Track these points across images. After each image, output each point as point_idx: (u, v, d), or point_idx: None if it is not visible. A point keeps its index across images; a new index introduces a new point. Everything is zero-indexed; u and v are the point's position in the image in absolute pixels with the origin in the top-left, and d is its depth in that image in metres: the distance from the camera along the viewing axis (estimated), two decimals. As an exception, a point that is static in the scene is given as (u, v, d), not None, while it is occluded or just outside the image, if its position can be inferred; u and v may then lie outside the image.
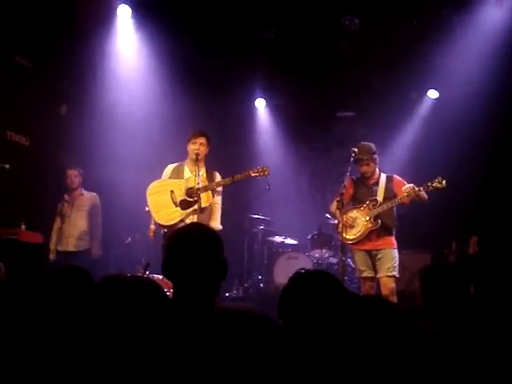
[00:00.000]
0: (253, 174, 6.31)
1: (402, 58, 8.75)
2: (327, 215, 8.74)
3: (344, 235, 6.30)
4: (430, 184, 6.14)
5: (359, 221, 6.36)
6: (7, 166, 6.54)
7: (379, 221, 6.28)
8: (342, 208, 6.17)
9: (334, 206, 6.50)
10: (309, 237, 8.97)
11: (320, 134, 10.19)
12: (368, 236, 6.33)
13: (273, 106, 10.48)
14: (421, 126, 9.46)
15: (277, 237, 9.20)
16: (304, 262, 8.30)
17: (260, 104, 10.51)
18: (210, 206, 6.34)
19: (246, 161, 8.85)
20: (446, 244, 8.25)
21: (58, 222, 7.75)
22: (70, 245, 7.65)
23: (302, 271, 2.39)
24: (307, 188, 10.10)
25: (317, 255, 8.60)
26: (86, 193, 7.89)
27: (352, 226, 6.37)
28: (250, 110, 10.51)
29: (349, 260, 8.25)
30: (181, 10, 8.26)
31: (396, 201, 6.26)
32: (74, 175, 7.76)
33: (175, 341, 2.06)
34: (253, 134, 10.53)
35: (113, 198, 8.44)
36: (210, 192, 6.24)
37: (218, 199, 6.44)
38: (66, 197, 7.81)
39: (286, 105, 10.17)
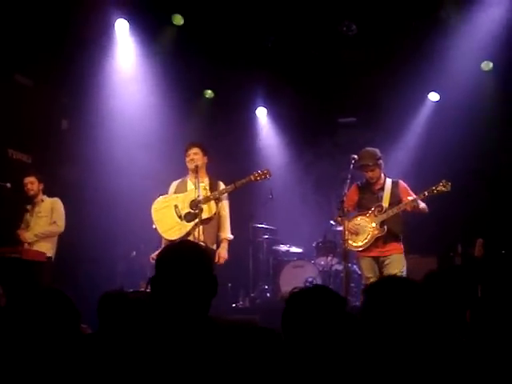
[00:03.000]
0: (254, 178, 6.32)
1: (401, 62, 8.74)
2: (332, 222, 8.70)
3: (351, 243, 6.26)
4: (434, 188, 6.13)
5: (365, 228, 6.32)
6: (8, 184, 6.53)
7: (385, 227, 6.24)
8: (343, 215, 6.14)
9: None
10: (314, 244, 8.94)
11: (322, 140, 10.15)
12: (374, 243, 6.29)
13: (274, 114, 10.46)
14: (422, 129, 9.42)
15: (282, 245, 9.17)
16: (310, 270, 8.27)
17: (261, 112, 10.49)
18: (217, 216, 6.34)
19: (250, 170, 8.80)
20: (452, 247, 8.22)
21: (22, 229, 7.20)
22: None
23: (295, 290, 2.40)
24: (312, 195, 10.07)
25: (322, 263, 8.54)
26: (46, 199, 7.29)
27: (357, 233, 6.33)
28: (252, 119, 10.50)
29: (354, 266, 8.21)
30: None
31: (401, 206, 6.23)
32: (30, 182, 7.17)
33: (167, 358, 2.04)
34: (255, 143, 10.52)
35: (117, 210, 8.44)
36: (212, 202, 6.23)
37: (225, 208, 6.43)
38: (28, 205, 7.28)
39: (288, 112, 10.14)
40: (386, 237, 6.26)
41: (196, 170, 6.24)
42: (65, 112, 8.73)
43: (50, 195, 7.41)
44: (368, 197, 6.45)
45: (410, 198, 6.22)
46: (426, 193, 6.15)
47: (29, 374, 2.12)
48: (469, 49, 8.29)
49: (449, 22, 8.25)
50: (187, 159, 6.38)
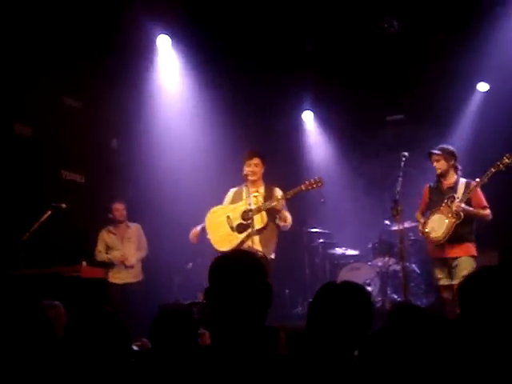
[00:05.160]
0: (305, 188, 6.17)
1: (447, 55, 8.57)
2: (387, 222, 8.58)
3: (433, 235, 6.14)
4: (499, 163, 5.93)
5: (442, 219, 6.12)
6: (63, 205, 6.64)
7: (462, 214, 6.00)
8: (397, 214, 6.01)
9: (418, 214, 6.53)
10: (370, 246, 8.83)
11: (371, 139, 10.05)
12: (442, 245, 6.10)
13: (321, 117, 10.40)
14: (473, 121, 9.18)
15: (337, 249, 9.08)
16: (367, 272, 8.17)
17: (307, 116, 10.45)
18: (276, 225, 6.30)
19: (299, 175, 8.76)
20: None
21: (102, 251, 7.79)
22: (124, 277, 7.78)
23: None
24: (364, 196, 9.94)
25: (379, 264, 8.41)
26: (131, 224, 8.02)
27: (434, 230, 6.17)
28: (298, 124, 10.47)
29: (413, 265, 8.07)
30: (220, 34, 8.32)
31: (472, 189, 6.07)
32: (122, 209, 7.89)
33: (224, 370, 2.00)
34: (303, 147, 10.49)
35: (173, 224, 8.50)
36: (263, 213, 6.17)
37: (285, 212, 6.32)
38: (112, 228, 7.93)
39: (334, 114, 10.07)
40: (454, 239, 6.06)
41: (253, 180, 6.26)
42: (114, 130, 8.86)
43: (105, 214, 7.83)
44: (436, 199, 6.30)
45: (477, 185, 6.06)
46: (493, 169, 5.94)
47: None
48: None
49: (498, 11, 8.03)
50: (247, 169, 6.33)
